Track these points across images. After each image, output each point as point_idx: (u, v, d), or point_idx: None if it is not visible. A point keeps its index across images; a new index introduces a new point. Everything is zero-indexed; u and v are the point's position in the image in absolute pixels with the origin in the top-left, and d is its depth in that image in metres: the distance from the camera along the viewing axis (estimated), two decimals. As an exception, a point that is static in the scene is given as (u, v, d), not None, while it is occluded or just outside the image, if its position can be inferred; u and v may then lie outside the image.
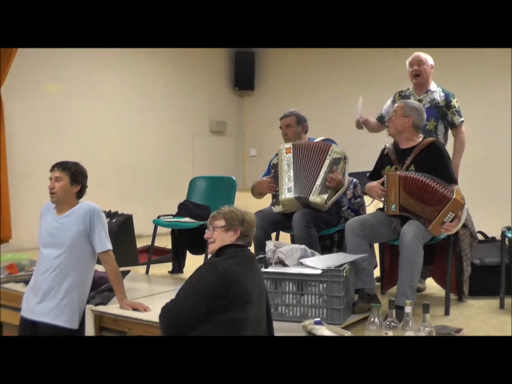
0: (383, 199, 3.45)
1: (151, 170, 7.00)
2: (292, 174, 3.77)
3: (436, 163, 3.43)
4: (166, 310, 2.39)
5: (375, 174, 3.64)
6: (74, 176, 3.16)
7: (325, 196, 3.67)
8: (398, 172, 3.40)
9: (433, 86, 3.98)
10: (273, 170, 3.93)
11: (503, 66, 6.22)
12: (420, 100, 3.89)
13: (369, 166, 3.83)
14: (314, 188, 3.69)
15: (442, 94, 3.93)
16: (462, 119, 3.92)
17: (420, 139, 3.53)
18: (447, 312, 3.42)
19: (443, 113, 3.90)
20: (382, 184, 3.46)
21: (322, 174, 3.71)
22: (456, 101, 3.93)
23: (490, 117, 6.53)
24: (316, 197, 3.67)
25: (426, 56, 3.97)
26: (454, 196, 3.24)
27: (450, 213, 3.25)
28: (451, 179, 3.42)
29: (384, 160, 3.62)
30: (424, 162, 3.43)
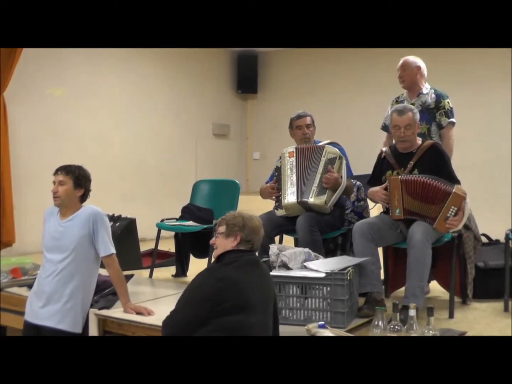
0: (387, 204, 3.45)
1: (154, 174, 6.99)
2: (294, 178, 3.76)
3: (438, 164, 3.45)
4: (166, 322, 2.44)
5: (375, 179, 3.63)
6: (77, 180, 3.16)
7: (324, 197, 3.66)
8: (399, 176, 3.41)
9: (425, 88, 3.93)
10: (277, 173, 3.92)
11: (505, 68, 6.21)
12: (412, 104, 3.85)
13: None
14: (311, 191, 3.68)
15: (433, 95, 3.88)
16: (449, 120, 3.84)
17: (420, 142, 3.53)
18: (451, 315, 3.41)
19: (434, 115, 3.86)
20: (386, 189, 3.46)
21: (318, 175, 3.71)
22: (448, 102, 3.86)
23: (492, 119, 6.50)
24: (315, 199, 3.66)
25: (413, 59, 3.91)
26: (454, 190, 3.27)
27: (452, 207, 3.29)
28: (453, 180, 3.43)
29: (383, 165, 3.60)
30: (427, 164, 3.43)
